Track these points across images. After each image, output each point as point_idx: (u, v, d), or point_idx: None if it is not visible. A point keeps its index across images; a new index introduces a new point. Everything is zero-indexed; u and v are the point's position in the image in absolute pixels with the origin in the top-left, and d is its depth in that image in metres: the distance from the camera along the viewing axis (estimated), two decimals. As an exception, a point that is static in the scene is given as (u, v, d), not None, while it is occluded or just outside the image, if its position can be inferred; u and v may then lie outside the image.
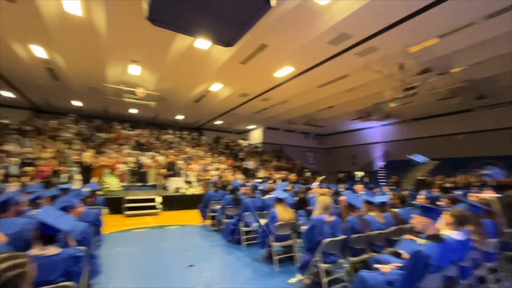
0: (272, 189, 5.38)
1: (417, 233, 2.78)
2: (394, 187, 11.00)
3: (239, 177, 12.34)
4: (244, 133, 21.65)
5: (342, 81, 9.85)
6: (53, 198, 3.18)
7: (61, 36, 7.24)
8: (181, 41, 7.43)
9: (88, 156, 9.48)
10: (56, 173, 8.97)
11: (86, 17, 6.51)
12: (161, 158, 12.37)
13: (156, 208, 8.26)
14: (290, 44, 7.53)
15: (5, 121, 12.29)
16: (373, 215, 3.53)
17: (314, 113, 14.68)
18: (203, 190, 10.35)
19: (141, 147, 13.87)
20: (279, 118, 16.20)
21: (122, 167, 10.64)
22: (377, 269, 2.46)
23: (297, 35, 7.07)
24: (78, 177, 8.88)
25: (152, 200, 8.41)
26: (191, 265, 3.94)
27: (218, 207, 6.16)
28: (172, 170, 10.83)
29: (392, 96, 9.26)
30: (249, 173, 14.08)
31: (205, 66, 9.15)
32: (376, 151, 18.34)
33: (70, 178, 8.99)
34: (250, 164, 15.15)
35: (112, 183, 9.04)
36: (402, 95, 8.85)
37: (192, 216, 7.72)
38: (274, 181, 12.04)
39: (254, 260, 4.24)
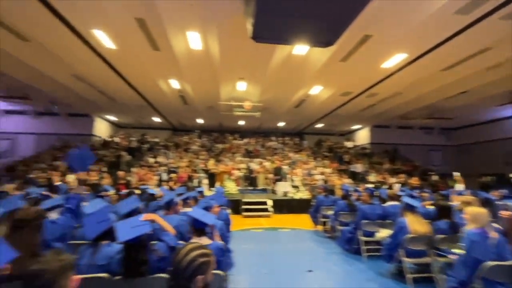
0: (395, 196, 4.70)
1: None
2: None
3: (346, 182, 11.57)
4: (348, 134, 20.24)
5: (480, 57, 7.63)
6: (195, 199, 3.94)
7: (188, 68, 9.00)
8: (280, 52, 7.78)
9: (211, 164, 11.29)
10: (190, 178, 11.14)
11: (204, 49, 7.84)
12: (267, 164, 13.22)
13: (268, 211, 8.84)
14: (400, 28, 6.50)
15: (156, 140, 16.43)
16: None
17: (439, 102, 11.99)
18: (310, 195, 10.30)
19: (249, 154, 15.32)
20: (390, 114, 14.21)
21: (237, 173, 12.04)
22: None
23: (409, 15, 6.02)
24: (205, 181, 10.70)
25: (264, 203, 9.06)
26: (310, 270, 3.93)
27: (329, 212, 5.95)
28: (279, 175, 11.36)
29: None
30: (357, 177, 12.98)
31: (304, 71, 9.20)
32: (547, 144, 13.08)
33: (200, 182, 10.94)
34: (358, 167, 13.95)
35: (231, 187, 10.38)
36: None
37: (302, 220, 7.79)
38: (390, 186, 10.56)
39: (379, 275, 3.80)
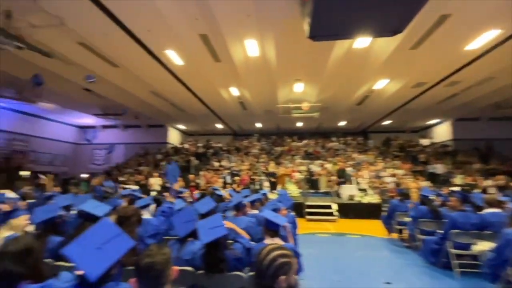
0: (495, 201, 3.87)
1: None
2: None
3: (423, 184, 10.15)
4: (423, 131, 17.80)
5: None
6: (261, 201, 4.03)
7: (247, 75, 9.36)
8: (339, 48, 7.38)
9: (272, 167, 11.43)
10: (252, 181, 11.50)
11: (261, 55, 8.03)
12: (329, 166, 12.66)
13: (333, 215, 8.43)
14: (488, 0, 5.43)
15: (219, 145, 17.56)
16: None
17: (551, 85, 9.53)
18: (380, 199, 9.42)
19: (309, 156, 14.94)
20: (478, 104, 11.92)
21: (297, 175, 11.88)
22: None
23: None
24: (266, 184, 10.88)
25: (328, 206, 8.67)
26: (388, 282, 3.56)
27: (406, 219, 5.30)
28: (342, 177, 10.76)
29: None
30: (438, 180, 11.27)
31: (366, 65, 8.53)
32: None
33: (261, 185, 11.18)
34: (438, 167, 12.09)
35: (292, 190, 10.30)
36: None
37: (373, 227, 7.16)
38: (484, 190, 8.80)
39: (478, 296, 3.19)
